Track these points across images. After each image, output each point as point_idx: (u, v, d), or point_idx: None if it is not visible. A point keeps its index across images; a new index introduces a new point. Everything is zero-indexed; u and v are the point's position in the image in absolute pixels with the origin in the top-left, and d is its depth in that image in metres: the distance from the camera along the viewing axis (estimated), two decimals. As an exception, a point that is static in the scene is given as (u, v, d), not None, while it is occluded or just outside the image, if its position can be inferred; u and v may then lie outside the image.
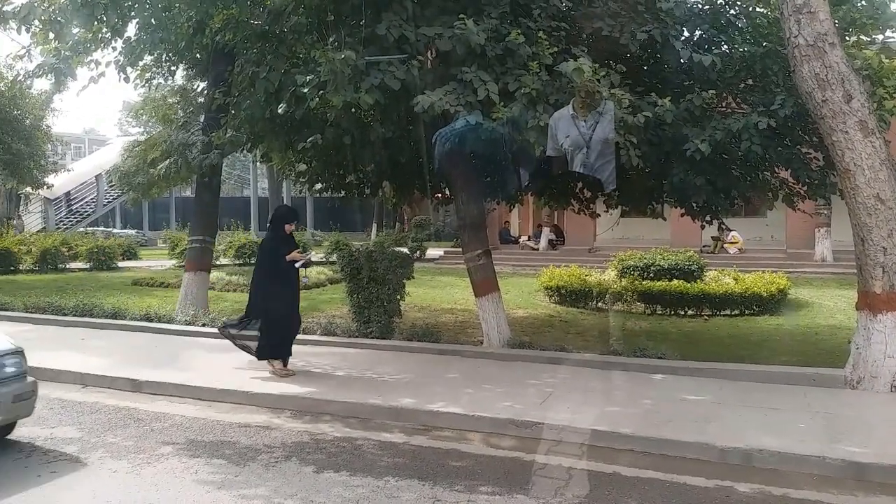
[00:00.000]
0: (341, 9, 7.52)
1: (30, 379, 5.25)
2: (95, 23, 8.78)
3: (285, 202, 35.19)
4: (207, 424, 5.79)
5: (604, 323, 10.63)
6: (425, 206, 26.68)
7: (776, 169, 8.31)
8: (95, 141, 55.74)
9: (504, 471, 4.78)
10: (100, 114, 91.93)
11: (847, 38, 7.51)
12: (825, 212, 17.90)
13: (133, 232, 35.31)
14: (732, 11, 8.13)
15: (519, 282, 15.53)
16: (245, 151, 10.55)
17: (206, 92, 11.24)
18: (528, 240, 24.11)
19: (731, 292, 11.30)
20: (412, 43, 6.89)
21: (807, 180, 7.82)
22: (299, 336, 8.29)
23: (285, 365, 7.21)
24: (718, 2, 8.06)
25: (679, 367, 7.21)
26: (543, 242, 22.94)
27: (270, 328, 7.15)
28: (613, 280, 12.60)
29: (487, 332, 8.34)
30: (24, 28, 8.29)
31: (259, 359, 7.21)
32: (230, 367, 7.47)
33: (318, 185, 10.80)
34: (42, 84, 30.34)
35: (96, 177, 38.88)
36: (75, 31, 9.12)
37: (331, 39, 7.10)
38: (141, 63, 10.16)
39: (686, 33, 7.92)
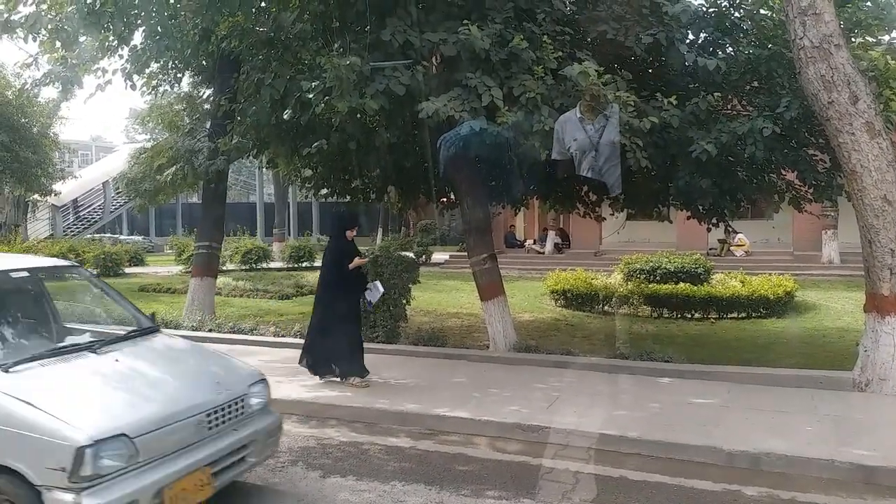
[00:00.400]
0: (346, 15, 7.55)
1: (276, 411, 4.60)
2: (102, 31, 8.83)
3: (291, 207, 35.26)
4: (214, 430, 5.80)
5: (610, 326, 10.61)
6: (431, 210, 26.68)
7: (782, 171, 8.28)
8: (102, 148, 56.09)
9: (511, 475, 4.78)
10: (106, 121, 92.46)
11: (853, 40, 7.49)
12: (832, 214, 17.82)
13: (140, 238, 35.40)
14: (737, 14, 8.12)
15: (525, 286, 15.51)
16: (251, 157, 10.57)
17: (212, 99, 11.29)
18: (534, 243, 24.09)
19: (737, 295, 11.25)
20: (417, 48, 6.91)
21: (813, 182, 7.80)
22: (299, 341, 8.30)
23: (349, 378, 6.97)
24: (723, 5, 8.05)
25: (686, 370, 7.19)
26: (549, 246, 22.91)
27: (347, 344, 6.92)
28: (619, 283, 12.57)
29: (493, 336, 8.34)
30: (31, 37, 8.36)
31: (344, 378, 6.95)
32: (237, 372, 7.49)
33: (324, 191, 10.83)
34: (49, 92, 30.56)
35: (103, 184, 39.02)
36: (82, 39, 9.18)
37: (336, 46, 7.12)
38: (147, 70, 10.21)
39: (691, 36, 7.92)
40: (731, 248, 20.06)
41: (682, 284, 11.61)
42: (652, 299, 11.47)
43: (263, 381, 4.48)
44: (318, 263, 22.20)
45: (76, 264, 6.34)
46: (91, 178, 39.24)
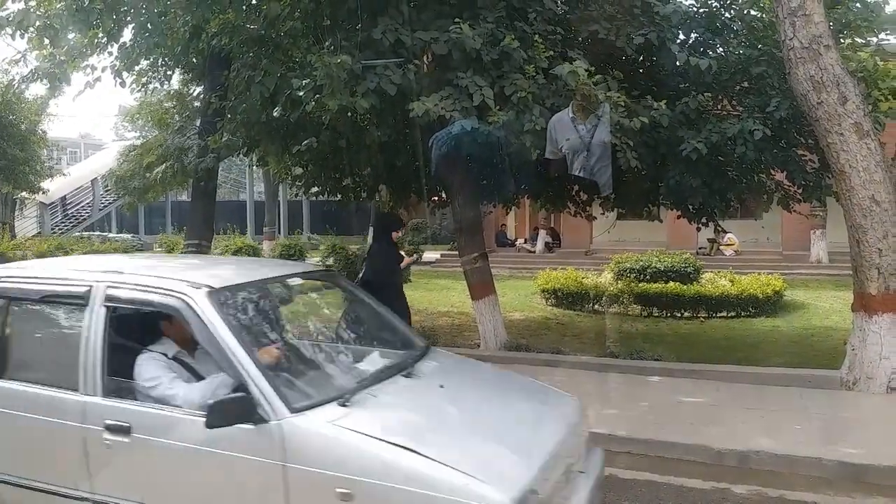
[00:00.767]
0: (337, 13, 7.53)
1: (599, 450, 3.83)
2: (91, 28, 8.77)
3: (281, 206, 35.12)
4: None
5: (600, 325, 10.64)
6: (422, 209, 26.67)
7: (772, 171, 8.33)
8: (91, 145, 55.64)
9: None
10: (95, 118, 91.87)
11: (842, 41, 7.54)
12: (821, 214, 17.93)
13: (129, 236, 35.19)
14: (727, 15, 8.16)
15: (515, 284, 15.53)
16: (241, 155, 10.53)
17: (202, 96, 11.23)
18: (525, 243, 24.13)
19: (727, 294, 11.31)
20: (408, 47, 6.89)
21: (802, 182, 7.84)
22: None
23: None
24: (714, 5, 8.08)
25: (675, 369, 7.22)
26: (540, 245, 22.96)
27: None
28: (610, 282, 12.61)
29: (484, 334, 8.34)
30: (19, 33, 8.29)
31: None
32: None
33: (315, 189, 10.79)
34: (37, 89, 30.32)
35: (92, 181, 38.79)
36: (71, 36, 9.11)
37: (327, 43, 7.10)
38: (137, 68, 10.15)
39: (682, 36, 7.94)
40: (721, 247, 20.17)
41: (671, 283, 11.66)
42: (642, 298, 11.51)
43: (579, 404, 3.77)
44: (309, 262, 22.18)
45: (332, 270, 4.83)
46: (80, 175, 38.99)
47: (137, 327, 3.53)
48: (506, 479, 2.62)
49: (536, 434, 3.15)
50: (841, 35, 7.58)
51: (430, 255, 24.41)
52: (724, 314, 11.17)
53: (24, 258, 18.88)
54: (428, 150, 7.03)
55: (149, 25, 8.78)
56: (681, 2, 7.63)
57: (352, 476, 2.63)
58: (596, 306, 11.96)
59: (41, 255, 18.90)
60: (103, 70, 9.43)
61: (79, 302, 3.40)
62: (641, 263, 12.48)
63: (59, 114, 32.96)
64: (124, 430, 3.09)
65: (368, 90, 6.56)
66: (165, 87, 13.03)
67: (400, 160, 8.90)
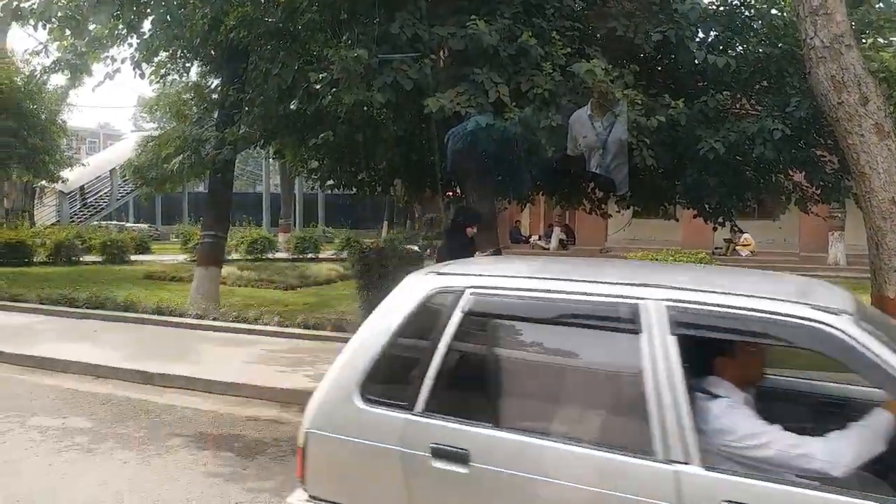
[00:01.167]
0: (355, 7, 7.54)
1: None
2: (112, 19, 8.85)
3: (297, 198, 35.28)
4: (217, 417, 5.84)
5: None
6: (436, 204, 26.68)
7: (790, 171, 8.26)
8: (110, 136, 56.18)
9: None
10: (114, 109, 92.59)
11: (864, 41, 7.45)
12: (839, 215, 17.77)
13: (146, 226, 35.55)
14: (747, 13, 8.08)
15: (529, 281, 15.46)
16: (258, 148, 10.60)
17: (219, 88, 11.31)
18: (539, 239, 24.08)
19: (742, 295, 11.21)
20: (425, 42, 6.89)
21: (821, 183, 7.77)
22: (310, 332, 8.29)
23: None
24: (734, 3, 8.01)
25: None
26: (554, 242, 22.90)
27: None
28: (624, 281, 12.54)
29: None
30: (41, 24, 8.37)
31: None
32: (240, 360, 7.52)
33: (330, 182, 10.84)
34: (58, 79, 30.66)
35: (110, 171, 39.13)
36: (91, 27, 9.20)
37: (344, 37, 7.12)
38: (156, 59, 10.22)
39: (700, 34, 7.88)
40: (737, 247, 20.03)
41: (686, 283, 11.57)
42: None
43: None
44: (323, 255, 22.31)
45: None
46: (98, 165, 39.34)
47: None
48: None
49: None
50: (863, 35, 7.50)
51: (443, 250, 24.42)
52: (739, 315, 11.06)
53: (43, 246, 19.13)
54: (443, 146, 7.03)
55: (168, 17, 8.83)
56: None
57: None
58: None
59: (59, 244, 19.11)
60: (123, 61, 9.51)
61: (618, 325, 2.51)
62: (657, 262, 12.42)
63: (78, 104, 33.21)
64: None
65: (385, 84, 6.57)
66: (184, 78, 13.13)
67: (415, 155, 8.91)
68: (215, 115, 11.58)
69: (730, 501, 2.15)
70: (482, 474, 2.45)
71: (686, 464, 2.26)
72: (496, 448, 2.48)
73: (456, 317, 2.67)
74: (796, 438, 2.37)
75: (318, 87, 6.69)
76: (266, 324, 9.45)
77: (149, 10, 8.86)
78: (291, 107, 7.36)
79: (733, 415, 2.44)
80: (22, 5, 8.31)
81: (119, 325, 9.70)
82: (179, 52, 10.37)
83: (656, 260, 12.45)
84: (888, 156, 6.05)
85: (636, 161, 6.68)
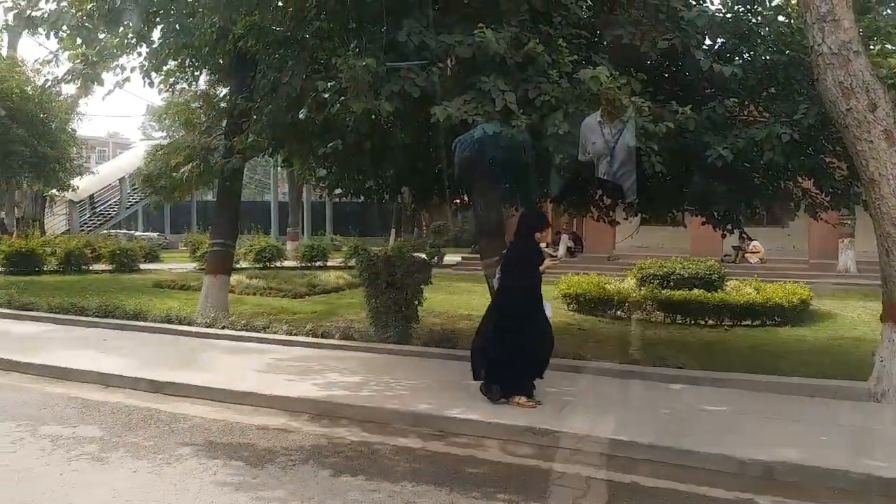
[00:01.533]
0: (363, 15, 7.58)
1: None
2: (122, 28, 8.93)
3: (305, 207, 35.37)
4: (226, 426, 5.83)
5: (623, 331, 10.56)
6: (444, 211, 26.71)
7: (799, 178, 8.22)
8: (119, 144, 56.53)
9: (521, 479, 4.77)
10: (123, 118, 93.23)
11: (872, 47, 7.43)
12: (849, 222, 17.66)
13: (155, 235, 35.71)
14: (754, 20, 8.06)
15: (537, 289, 15.44)
16: (266, 156, 10.65)
17: (228, 97, 11.37)
18: (547, 247, 24.04)
19: (752, 302, 11.17)
20: (432, 50, 6.91)
21: (830, 190, 7.73)
22: (319, 340, 8.29)
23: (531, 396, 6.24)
24: (740, 11, 7.99)
25: (699, 377, 7.15)
26: (562, 250, 22.88)
27: (515, 353, 6.23)
28: (633, 288, 12.51)
29: (505, 338, 8.31)
30: (52, 33, 8.46)
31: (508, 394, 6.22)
32: (249, 369, 7.53)
33: (338, 190, 10.87)
34: (68, 88, 30.91)
35: (120, 180, 39.37)
36: (102, 36, 9.28)
37: (352, 46, 7.14)
38: (165, 68, 10.31)
39: (707, 42, 7.86)
40: (746, 254, 19.93)
41: (695, 290, 11.55)
42: (665, 305, 11.41)
43: None
44: (331, 263, 22.34)
45: None
46: (108, 174, 39.59)
47: None
48: None
49: None
50: (871, 41, 7.48)
51: (451, 257, 24.45)
52: (749, 323, 11.03)
53: (53, 254, 19.24)
54: (451, 154, 7.03)
55: (177, 27, 8.91)
56: (707, 7, 7.54)
57: None
58: (618, 312, 11.87)
59: (68, 252, 19.21)
60: (132, 70, 9.61)
61: None
62: (665, 270, 12.38)
63: (88, 113, 33.50)
64: None
65: (392, 93, 6.58)
66: (192, 87, 13.22)
67: (423, 163, 8.93)
68: (224, 124, 11.66)
69: None
70: None
71: None
72: None
73: None
74: None
75: (326, 95, 6.72)
76: (275, 332, 9.46)
77: (158, 20, 8.94)
78: (300, 115, 7.38)
79: None
80: (33, 14, 8.40)
81: (128, 334, 9.73)
82: (188, 60, 10.46)
83: (665, 267, 12.43)
84: (898, 162, 6.01)
85: (644, 168, 6.67)
